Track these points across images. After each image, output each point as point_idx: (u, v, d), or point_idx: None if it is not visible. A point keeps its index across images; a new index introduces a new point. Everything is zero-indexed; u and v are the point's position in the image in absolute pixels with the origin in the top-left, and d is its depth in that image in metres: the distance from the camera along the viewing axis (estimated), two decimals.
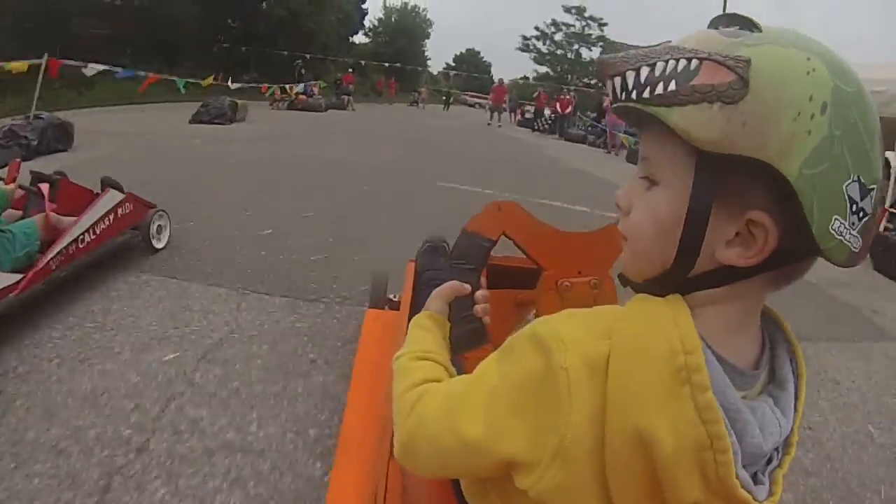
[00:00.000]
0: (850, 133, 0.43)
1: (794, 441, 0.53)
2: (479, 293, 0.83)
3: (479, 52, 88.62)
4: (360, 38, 37.25)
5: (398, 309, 1.60)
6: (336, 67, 23.48)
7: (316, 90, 17.17)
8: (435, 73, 59.03)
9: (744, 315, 0.51)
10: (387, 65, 27.71)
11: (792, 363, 0.54)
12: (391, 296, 2.11)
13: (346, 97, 18.60)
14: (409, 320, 0.80)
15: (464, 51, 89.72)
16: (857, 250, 0.46)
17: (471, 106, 43.15)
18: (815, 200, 0.43)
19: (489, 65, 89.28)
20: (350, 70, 22.54)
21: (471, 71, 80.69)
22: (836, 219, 0.44)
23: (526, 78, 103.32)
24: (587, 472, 0.47)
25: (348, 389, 1.41)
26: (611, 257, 1.10)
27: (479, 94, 47.31)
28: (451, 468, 0.58)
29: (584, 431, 0.46)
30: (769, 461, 0.51)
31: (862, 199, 0.45)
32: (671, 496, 0.45)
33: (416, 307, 1.15)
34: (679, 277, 0.50)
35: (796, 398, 0.53)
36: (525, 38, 44.28)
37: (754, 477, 0.48)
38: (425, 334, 0.73)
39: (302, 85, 16.54)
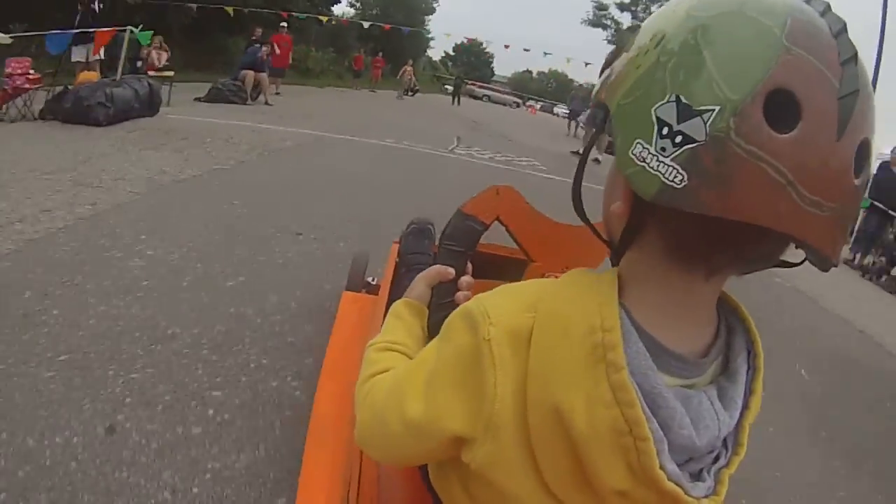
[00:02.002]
0: (683, 55, 0.41)
1: (743, 441, 0.50)
2: (463, 279, 0.81)
3: (481, 43, 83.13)
4: (342, 9, 29.33)
5: (375, 293, 1.65)
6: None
7: (155, 54, 8.53)
8: (435, 59, 51.56)
9: (678, 296, 0.47)
10: (368, 25, 17.76)
11: (750, 357, 0.51)
12: (369, 279, 2.04)
13: (249, 76, 9.28)
14: (388, 304, 0.93)
15: (464, 40, 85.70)
16: (678, 184, 0.40)
17: (478, 98, 36.12)
18: (621, 126, 0.44)
19: (491, 56, 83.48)
20: (283, 27, 11.65)
21: (472, 61, 74.77)
22: (637, 142, 0.42)
23: (529, 72, 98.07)
24: (516, 445, 0.47)
25: (319, 374, 1.35)
26: (600, 252, 0.81)
27: (489, 85, 40.77)
28: (403, 452, 0.58)
29: (509, 404, 0.47)
30: (717, 459, 0.49)
31: (681, 122, 0.40)
32: (593, 479, 0.45)
33: (396, 290, 1.24)
34: (605, 242, 0.53)
35: (751, 393, 0.50)
36: (600, 6, 31.66)
37: (699, 474, 0.47)
38: (398, 323, 0.72)
39: (84, 48, 6.71)
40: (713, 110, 0.39)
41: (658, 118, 0.41)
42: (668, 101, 0.40)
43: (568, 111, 16.45)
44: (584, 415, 0.43)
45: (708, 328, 0.50)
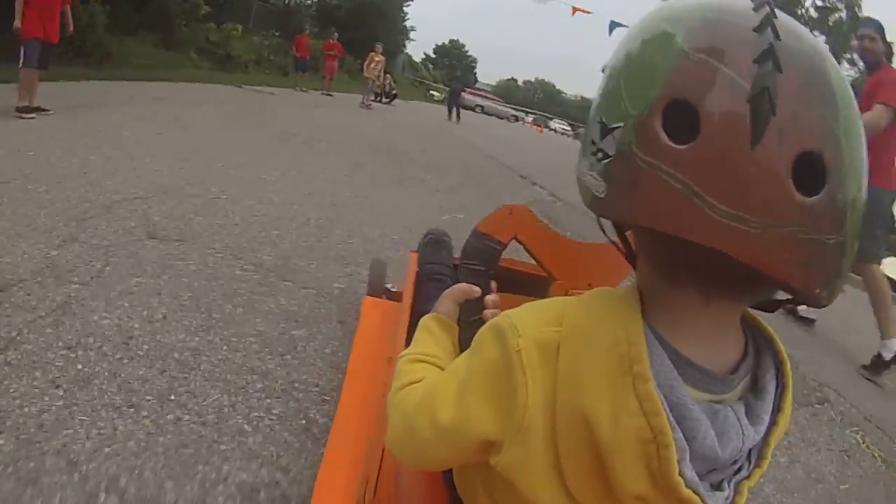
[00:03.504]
0: (608, 73, 0.45)
1: (767, 454, 0.51)
2: (489, 298, 0.81)
3: (463, 45, 77.41)
4: None
5: (396, 300, 1.64)
6: None
7: None
8: (416, 59, 45.17)
9: (685, 313, 0.47)
10: None
11: (778, 375, 0.51)
12: (388, 285, 1.99)
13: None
14: (411, 311, 1.07)
15: (447, 41, 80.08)
16: (600, 194, 0.45)
17: (468, 108, 29.99)
18: (581, 145, 0.49)
19: (474, 60, 77.91)
20: None
21: (454, 65, 69.01)
22: (582, 160, 0.48)
23: (514, 80, 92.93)
24: (542, 450, 0.49)
25: (344, 378, 1.36)
26: (623, 270, 0.88)
27: (480, 92, 34.56)
28: (433, 457, 0.60)
29: (539, 409, 0.49)
30: (739, 470, 0.50)
31: (602, 139, 0.44)
32: (614, 483, 0.46)
33: (417, 299, 1.25)
34: (627, 258, 0.55)
35: (778, 410, 0.51)
36: None
37: (719, 484, 0.48)
38: (428, 337, 0.74)
39: None
40: (619, 126, 0.42)
41: (591, 139, 0.46)
42: (596, 122, 0.45)
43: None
44: (610, 423, 0.45)
45: (732, 347, 0.50)
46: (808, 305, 0.45)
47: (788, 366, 0.51)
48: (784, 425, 0.51)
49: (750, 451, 0.50)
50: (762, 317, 0.53)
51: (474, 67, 75.32)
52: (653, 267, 0.48)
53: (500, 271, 0.98)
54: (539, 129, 31.11)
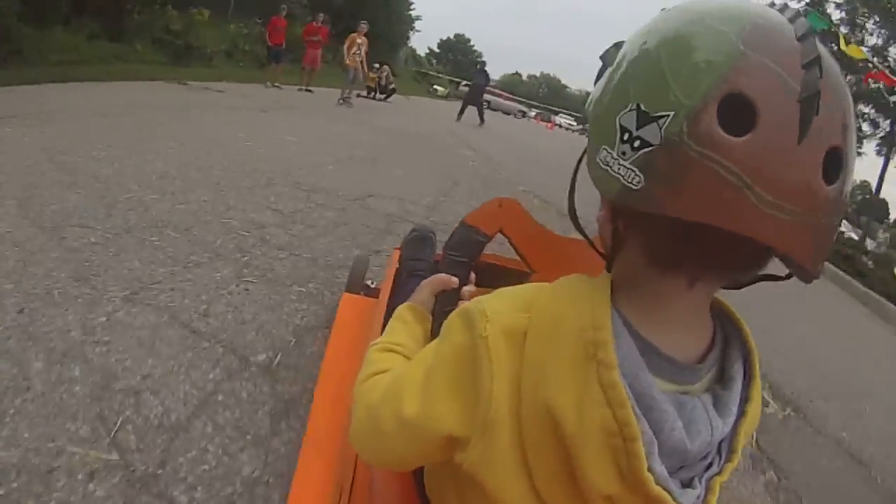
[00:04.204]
0: (644, 66, 0.43)
1: (738, 448, 0.50)
2: (465, 289, 0.81)
3: (469, 40, 75.32)
4: None
5: (374, 296, 1.59)
6: None
7: None
8: (421, 54, 42.88)
9: (664, 302, 0.47)
10: None
11: (745, 365, 0.51)
12: (368, 282, 1.93)
13: None
14: (388, 309, 1.00)
15: (451, 36, 77.87)
16: (635, 185, 0.42)
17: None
18: (593, 135, 0.47)
19: (479, 55, 75.75)
20: None
21: (458, 59, 67.01)
22: (603, 149, 0.45)
23: (518, 75, 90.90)
24: (509, 446, 0.47)
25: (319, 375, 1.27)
26: (602, 265, 0.83)
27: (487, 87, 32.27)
28: (395, 453, 0.57)
29: (504, 401, 0.47)
30: (710, 466, 0.49)
31: (640, 128, 0.42)
32: (582, 481, 0.45)
33: (395, 296, 1.21)
34: (600, 253, 0.53)
35: (747, 400, 0.50)
36: None
37: (690, 481, 0.47)
38: (401, 326, 0.72)
39: None
40: (668, 115, 0.40)
41: (621, 125, 0.43)
42: (629, 110, 0.42)
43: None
44: (574, 414, 0.44)
45: (701, 335, 0.50)
46: (805, 281, 0.45)
47: (756, 355, 0.51)
48: (754, 416, 0.50)
49: (720, 444, 0.49)
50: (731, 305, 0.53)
51: (477, 62, 73.33)
52: (645, 255, 0.47)
53: (482, 266, 0.99)
54: (550, 125, 28.98)
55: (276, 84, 10.19)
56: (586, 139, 0.49)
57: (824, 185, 0.40)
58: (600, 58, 0.50)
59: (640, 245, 0.47)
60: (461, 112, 12.55)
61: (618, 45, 0.49)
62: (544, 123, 29.60)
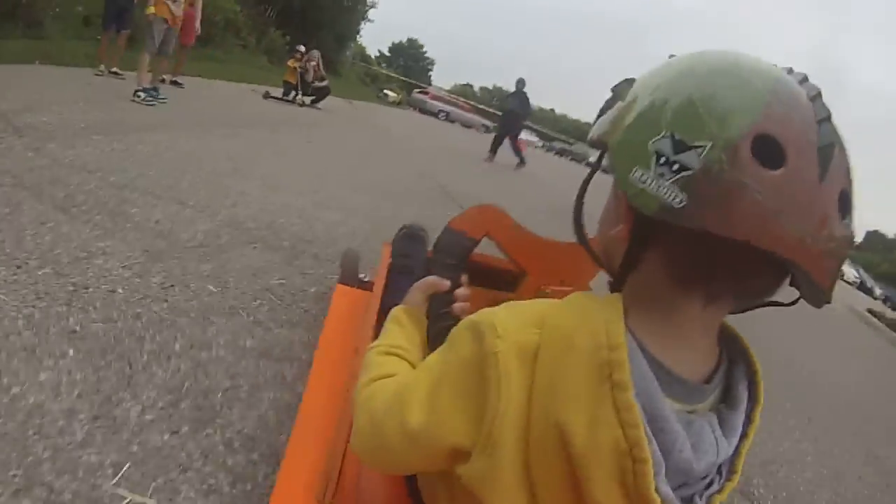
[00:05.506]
0: (676, 99, 0.46)
1: (738, 468, 0.51)
2: (459, 292, 0.82)
3: (422, 45, 71.53)
4: None
5: (367, 289, 1.58)
6: None
7: None
8: (371, 55, 38.50)
9: (678, 321, 0.49)
10: None
11: (751, 386, 0.53)
12: (361, 275, 1.88)
13: None
14: (381, 303, 1.02)
15: (404, 40, 73.57)
16: (676, 205, 0.44)
17: (431, 114, 23.95)
18: (619, 156, 0.48)
19: (432, 62, 72.32)
20: None
21: (409, 65, 63.35)
22: (636, 169, 0.46)
23: (470, 86, 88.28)
24: (511, 464, 0.47)
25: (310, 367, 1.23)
26: (592, 269, 1.01)
27: (445, 96, 27.94)
28: (398, 462, 0.58)
29: (510, 420, 0.47)
30: (710, 484, 0.50)
31: (677, 153, 0.45)
32: (587, 500, 0.45)
33: (387, 291, 1.24)
34: (600, 264, 0.56)
35: (750, 422, 0.52)
36: None
37: (690, 498, 0.48)
38: (398, 329, 0.72)
39: None
40: (706, 146, 0.43)
41: (656, 150, 0.45)
42: (663, 137, 0.45)
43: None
44: (585, 433, 0.44)
45: (709, 356, 0.51)
46: (817, 306, 0.48)
47: (760, 376, 0.52)
48: (751, 437, 0.52)
49: (721, 464, 0.50)
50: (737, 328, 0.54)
51: (430, 69, 69.96)
52: (666, 273, 0.48)
53: (472, 266, 0.99)
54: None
55: (115, 70, 5.88)
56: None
57: (839, 219, 0.45)
58: (611, 90, 0.54)
59: (661, 264, 0.48)
60: (494, 147, 9.56)
61: (629, 81, 0.52)
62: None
